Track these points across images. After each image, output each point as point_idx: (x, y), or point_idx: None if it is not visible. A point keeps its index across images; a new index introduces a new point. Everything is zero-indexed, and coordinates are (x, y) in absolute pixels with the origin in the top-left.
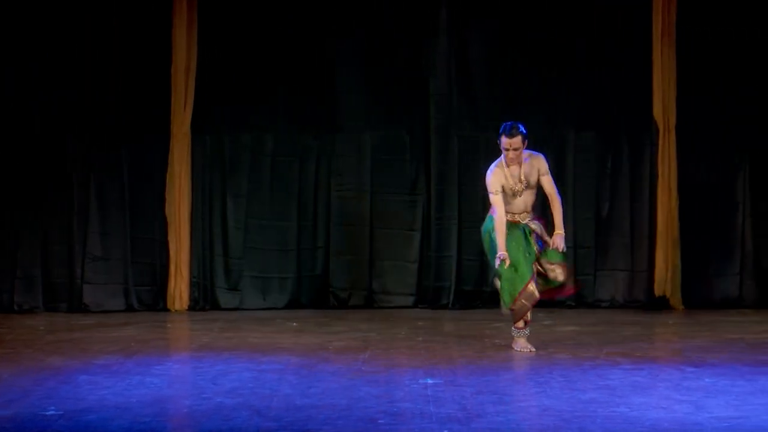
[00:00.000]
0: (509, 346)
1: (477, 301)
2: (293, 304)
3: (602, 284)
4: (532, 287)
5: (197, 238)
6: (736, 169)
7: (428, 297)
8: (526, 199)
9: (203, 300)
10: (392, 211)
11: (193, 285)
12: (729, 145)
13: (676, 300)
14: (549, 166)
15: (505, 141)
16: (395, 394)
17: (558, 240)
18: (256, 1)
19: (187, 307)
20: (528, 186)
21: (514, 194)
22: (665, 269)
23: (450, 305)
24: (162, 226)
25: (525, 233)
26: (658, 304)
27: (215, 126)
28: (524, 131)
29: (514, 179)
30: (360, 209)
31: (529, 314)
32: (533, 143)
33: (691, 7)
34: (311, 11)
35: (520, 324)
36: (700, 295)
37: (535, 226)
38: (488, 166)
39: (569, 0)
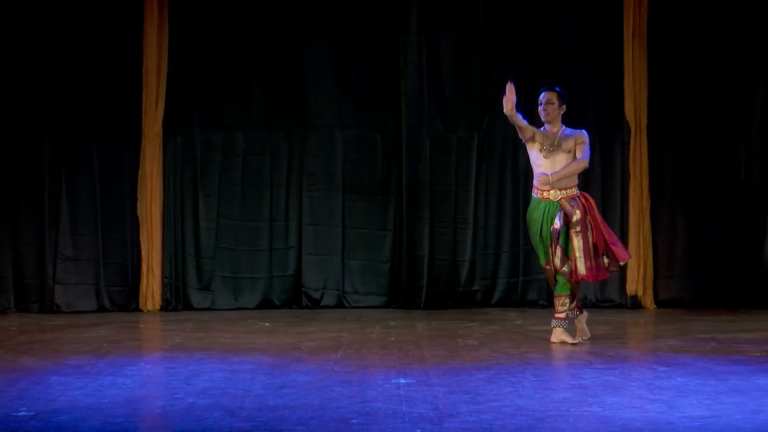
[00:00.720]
0: (482, 345)
1: (449, 301)
2: (265, 304)
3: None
4: (549, 267)
5: (169, 238)
6: (708, 170)
7: (400, 297)
8: (555, 164)
9: (175, 300)
10: (364, 211)
11: (165, 285)
12: (700, 146)
13: (648, 299)
14: (587, 141)
15: (542, 96)
16: (368, 394)
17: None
18: (228, 1)
19: (159, 308)
20: (559, 147)
21: (546, 155)
22: (637, 269)
23: (422, 305)
24: (134, 226)
25: (548, 214)
26: (631, 304)
27: (186, 125)
28: (564, 94)
29: (547, 139)
30: (332, 208)
31: (565, 302)
32: (504, 140)
33: (661, 9)
34: (282, 10)
35: (561, 312)
36: (672, 294)
37: (567, 204)
38: (461, 166)
39: (543, 2)
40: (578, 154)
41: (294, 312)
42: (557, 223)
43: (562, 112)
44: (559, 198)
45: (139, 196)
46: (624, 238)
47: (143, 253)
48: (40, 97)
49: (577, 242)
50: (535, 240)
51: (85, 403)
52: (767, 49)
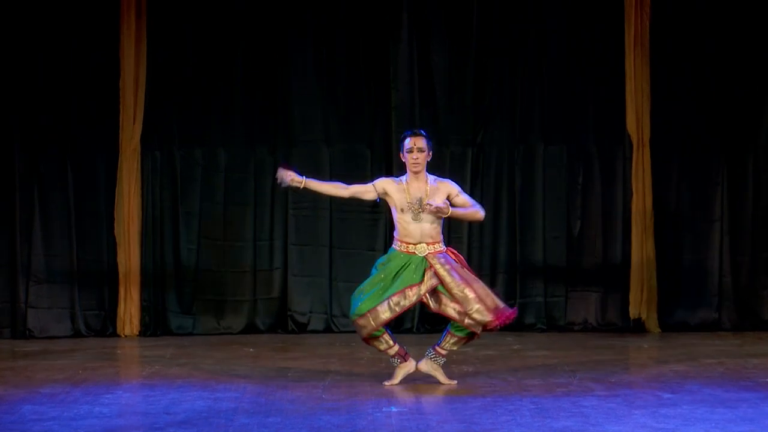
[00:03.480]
0: (477, 372)
1: (442, 325)
2: (249, 329)
3: (574, 306)
4: (382, 308)
5: (147, 259)
6: (714, 185)
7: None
8: (423, 228)
9: (154, 325)
10: (352, 230)
11: (143, 309)
12: (705, 160)
13: (651, 322)
14: (461, 189)
15: (408, 141)
16: (358, 424)
17: (436, 201)
18: (207, 11)
19: (137, 333)
20: (425, 210)
21: (412, 216)
22: (640, 290)
23: (414, 329)
24: (110, 246)
25: (414, 265)
26: (633, 327)
27: (166, 141)
28: (428, 138)
29: (412, 197)
30: (318, 228)
31: (388, 342)
32: (499, 156)
33: (664, 17)
34: (266, 22)
35: (383, 346)
36: (677, 317)
37: (437, 261)
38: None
39: (539, 9)
40: (466, 203)
41: (280, 336)
42: (430, 283)
43: (428, 160)
44: (425, 253)
45: (116, 215)
46: (626, 258)
47: (121, 275)
48: (12, 111)
49: (463, 294)
50: (379, 279)
51: None
52: None
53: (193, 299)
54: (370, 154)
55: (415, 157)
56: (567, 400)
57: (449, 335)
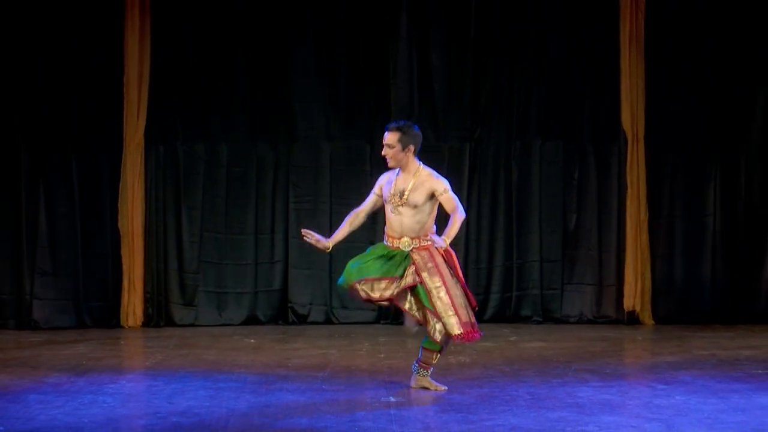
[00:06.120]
0: (474, 363)
1: None
2: (250, 320)
3: (569, 299)
4: (362, 286)
5: (151, 252)
6: (707, 180)
7: (390, 313)
8: (402, 221)
9: (157, 316)
10: None
11: (146, 300)
12: (699, 155)
13: (645, 315)
14: (451, 188)
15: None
16: (357, 414)
17: (435, 238)
18: (210, 9)
19: (140, 324)
20: (406, 204)
21: (392, 208)
22: (635, 283)
23: None
24: (114, 239)
25: (396, 259)
26: (628, 320)
27: (169, 136)
28: (408, 131)
29: (396, 188)
30: (319, 222)
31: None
32: (497, 152)
33: (659, 16)
34: (268, 19)
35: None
36: (671, 309)
37: (419, 257)
38: (452, 178)
39: (535, 6)
40: (447, 207)
41: (280, 328)
42: (412, 279)
43: (410, 154)
44: (409, 249)
45: (120, 209)
46: (621, 252)
47: (124, 267)
48: (17, 106)
49: (439, 300)
50: (371, 259)
51: (65, 422)
52: None
53: (196, 291)
54: (369, 149)
55: (383, 153)
56: (562, 390)
57: (423, 351)
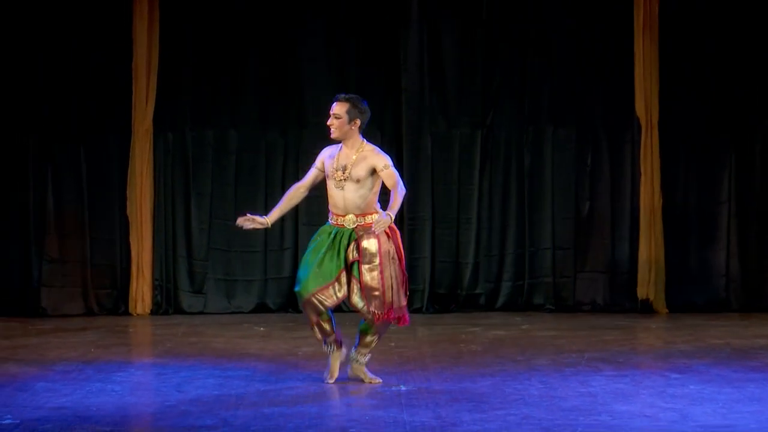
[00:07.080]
0: (486, 351)
1: (452, 305)
2: (260, 308)
3: (582, 287)
4: (317, 297)
5: (159, 239)
6: (722, 167)
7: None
8: (346, 197)
9: (166, 303)
10: None
11: (155, 288)
12: (714, 142)
13: (659, 303)
14: (393, 164)
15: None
16: (367, 402)
17: (381, 213)
18: None
19: (149, 311)
20: (348, 178)
21: (334, 184)
22: (648, 271)
23: (423, 309)
24: (123, 226)
25: (337, 241)
26: (641, 308)
27: (178, 122)
28: (358, 104)
29: (338, 163)
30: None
31: (327, 328)
32: (508, 139)
33: (673, 1)
34: (277, 5)
35: (317, 333)
36: (685, 298)
37: (364, 236)
38: (464, 165)
39: None
40: (388, 183)
41: (290, 316)
42: (351, 256)
43: (355, 128)
44: (353, 226)
45: (128, 195)
46: (634, 240)
47: (133, 254)
48: (25, 93)
49: (370, 277)
50: (316, 256)
51: (73, 410)
52: None
53: (205, 279)
54: (380, 135)
55: (329, 122)
56: (575, 379)
57: (360, 335)
